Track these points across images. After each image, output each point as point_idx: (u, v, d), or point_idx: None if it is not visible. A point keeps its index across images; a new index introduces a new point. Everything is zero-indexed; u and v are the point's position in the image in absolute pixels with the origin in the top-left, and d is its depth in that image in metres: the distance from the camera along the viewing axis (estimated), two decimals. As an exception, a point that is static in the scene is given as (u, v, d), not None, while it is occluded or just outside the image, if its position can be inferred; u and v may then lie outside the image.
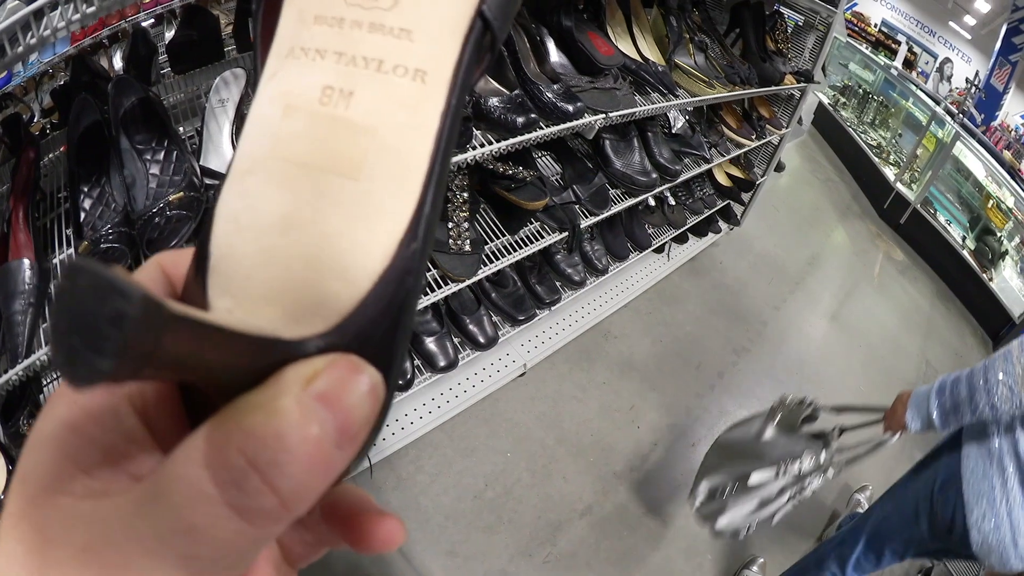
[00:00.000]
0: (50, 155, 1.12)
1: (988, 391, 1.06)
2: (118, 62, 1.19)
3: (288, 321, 0.18)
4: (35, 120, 1.22)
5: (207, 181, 0.88)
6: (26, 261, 0.85)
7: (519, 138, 1.24)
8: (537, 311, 1.86)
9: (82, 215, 0.85)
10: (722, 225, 2.88)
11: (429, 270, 1.39)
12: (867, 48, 5.78)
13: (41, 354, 0.84)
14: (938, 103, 4.75)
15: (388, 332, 0.19)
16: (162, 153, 0.86)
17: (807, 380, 2.55)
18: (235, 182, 0.21)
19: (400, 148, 0.20)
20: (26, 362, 0.83)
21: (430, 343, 1.62)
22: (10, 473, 1.11)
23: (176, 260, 0.22)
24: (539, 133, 1.28)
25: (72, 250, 0.86)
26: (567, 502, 1.77)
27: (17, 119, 1.04)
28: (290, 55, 0.21)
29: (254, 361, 0.16)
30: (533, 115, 1.24)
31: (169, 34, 1.22)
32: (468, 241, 1.42)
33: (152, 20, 1.30)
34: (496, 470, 1.75)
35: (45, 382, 1.26)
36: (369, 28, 0.21)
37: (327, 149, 0.20)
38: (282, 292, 0.19)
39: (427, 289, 1.38)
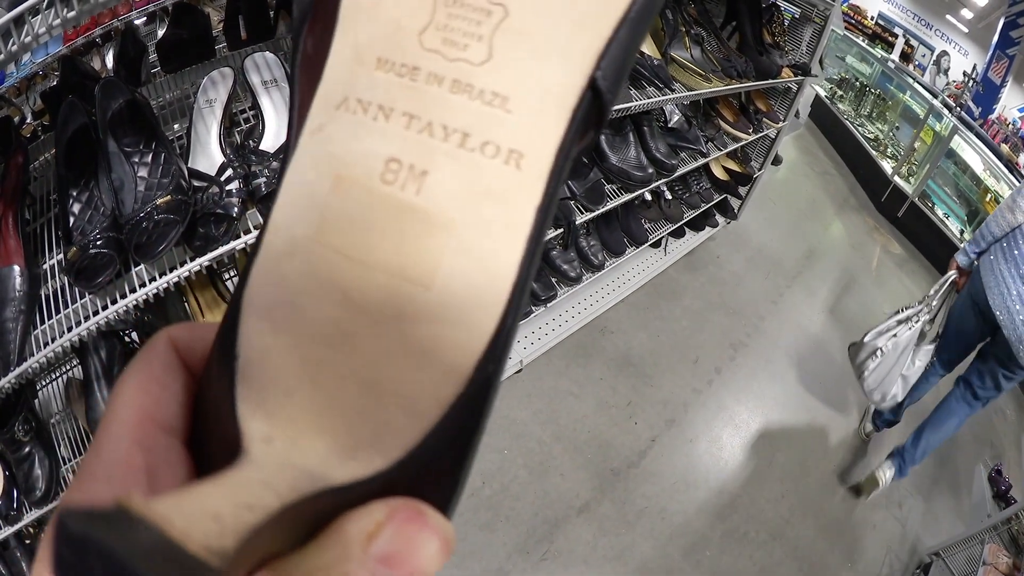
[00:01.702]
0: (42, 157, 1.12)
1: (987, 224, 1.88)
2: (111, 61, 1.18)
3: (340, 455, 0.15)
4: (26, 122, 1.21)
5: (195, 183, 0.87)
6: (16, 268, 0.85)
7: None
8: (533, 307, 1.86)
9: (71, 219, 0.85)
10: (719, 219, 2.88)
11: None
12: (864, 41, 5.77)
13: (33, 362, 0.84)
14: (935, 96, 4.74)
15: (455, 462, 0.16)
16: (150, 156, 0.85)
17: (806, 374, 2.55)
18: (268, 264, 0.17)
19: (484, 251, 0.16)
20: (18, 370, 0.83)
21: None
22: (6, 479, 1.11)
23: (191, 338, 0.19)
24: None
25: (62, 255, 0.86)
26: (565, 499, 1.77)
27: (7, 122, 1.03)
28: (343, 107, 0.17)
29: (310, 519, 0.14)
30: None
31: (161, 32, 1.21)
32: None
33: (144, 18, 1.30)
34: (493, 468, 1.75)
35: (39, 387, 1.26)
36: (452, 87, 0.16)
37: (391, 245, 0.16)
38: (332, 418, 0.16)
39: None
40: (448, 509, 0.16)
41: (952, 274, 2.03)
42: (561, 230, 1.64)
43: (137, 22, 1.20)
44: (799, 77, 2.38)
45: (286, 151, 0.18)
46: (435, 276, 0.16)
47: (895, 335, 1.95)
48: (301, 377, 0.16)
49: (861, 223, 4.13)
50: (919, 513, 2.25)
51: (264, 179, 0.89)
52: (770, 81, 2.16)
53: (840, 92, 5.40)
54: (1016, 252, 1.78)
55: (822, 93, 5.16)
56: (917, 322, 1.95)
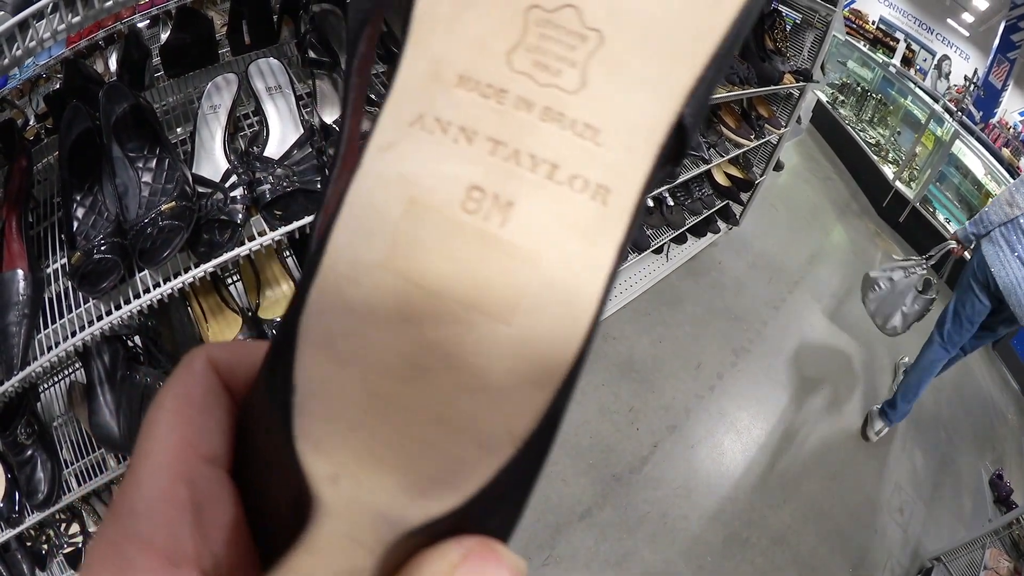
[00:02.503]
0: (45, 159, 1.12)
1: (987, 212, 2.12)
2: (114, 64, 1.19)
3: (411, 493, 0.14)
4: (29, 125, 1.21)
5: (199, 189, 0.87)
6: (20, 272, 0.85)
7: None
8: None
9: (75, 224, 0.85)
10: (721, 225, 2.88)
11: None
12: (865, 46, 5.77)
13: (36, 366, 0.84)
14: (936, 101, 4.74)
15: (523, 492, 0.16)
16: (154, 161, 0.85)
17: (808, 379, 2.55)
18: (329, 290, 0.15)
19: (567, 287, 0.15)
20: (21, 374, 0.83)
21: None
22: (8, 482, 1.11)
23: (232, 359, 0.17)
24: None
25: (65, 260, 0.86)
26: (566, 504, 1.76)
27: (11, 125, 1.03)
28: (418, 124, 0.16)
29: (393, 565, 0.14)
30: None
31: (165, 35, 1.21)
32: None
33: (148, 21, 1.30)
34: (495, 473, 1.75)
35: (41, 390, 1.26)
36: (542, 114, 0.15)
37: (469, 277, 0.15)
38: (401, 454, 0.15)
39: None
40: (509, 539, 0.16)
41: (951, 244, 2.29)
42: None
43: (140, 25, 1.20)
44: (801, 83, 2.38)
45: (335, 161, 0.17)
46: (516, 311, 0.15)
47: (891, 278, 2.28)
48: (368, 411, 0.15)
49: (863, 228, 4.13)
50: (921, 518, 2.25)
51: (268, 186, 0.89)
52: (772, 87, 2.16)
53: (841, 97, 5.41)
54: (1020, 246, 2.04)
55: (823, 98, 5.17)
56: (914, 273, 2.26)
